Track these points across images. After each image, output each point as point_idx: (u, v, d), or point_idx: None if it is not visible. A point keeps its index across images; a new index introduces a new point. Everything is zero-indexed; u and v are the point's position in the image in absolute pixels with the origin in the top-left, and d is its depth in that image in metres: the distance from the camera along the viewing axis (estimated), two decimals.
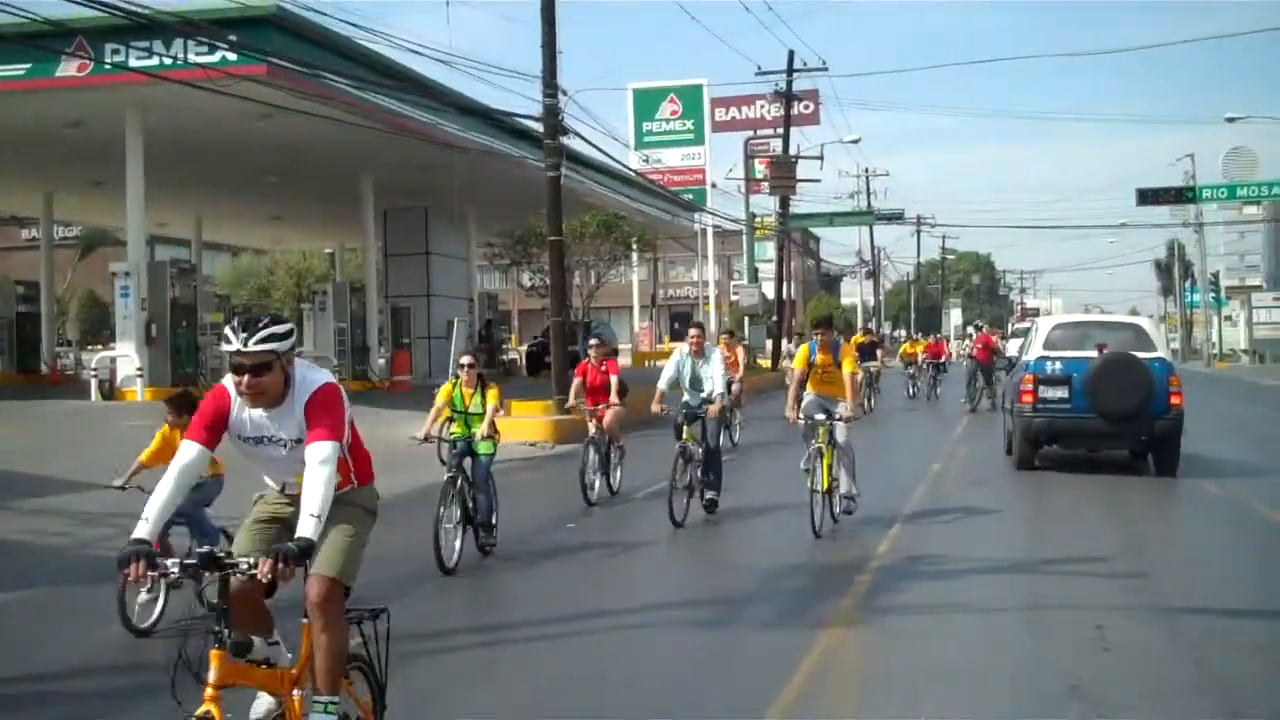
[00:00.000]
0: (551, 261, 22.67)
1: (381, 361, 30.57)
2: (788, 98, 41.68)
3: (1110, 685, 6.18)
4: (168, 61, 18.10)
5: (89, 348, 38.46)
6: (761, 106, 48.03)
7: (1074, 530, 11.33)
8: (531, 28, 21.37)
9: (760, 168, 45.86)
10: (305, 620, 4.44)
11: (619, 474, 13.30)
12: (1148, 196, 44.84)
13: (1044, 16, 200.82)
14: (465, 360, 10.07)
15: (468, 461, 9.71)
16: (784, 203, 42.81)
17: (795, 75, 41.48)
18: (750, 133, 48.77)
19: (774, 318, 43.91)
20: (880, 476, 14.45)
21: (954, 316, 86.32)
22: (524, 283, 34.45)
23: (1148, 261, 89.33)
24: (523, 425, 19.69)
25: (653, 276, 57.54)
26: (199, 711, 3.89)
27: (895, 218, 63.03)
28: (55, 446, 15.05)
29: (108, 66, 18.51)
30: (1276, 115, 80.00)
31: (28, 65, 19.05)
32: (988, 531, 11.13)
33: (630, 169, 37.18)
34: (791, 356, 12.10)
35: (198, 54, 18.30)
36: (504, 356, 39.48)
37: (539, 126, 22.15)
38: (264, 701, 4.46)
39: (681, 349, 12.16)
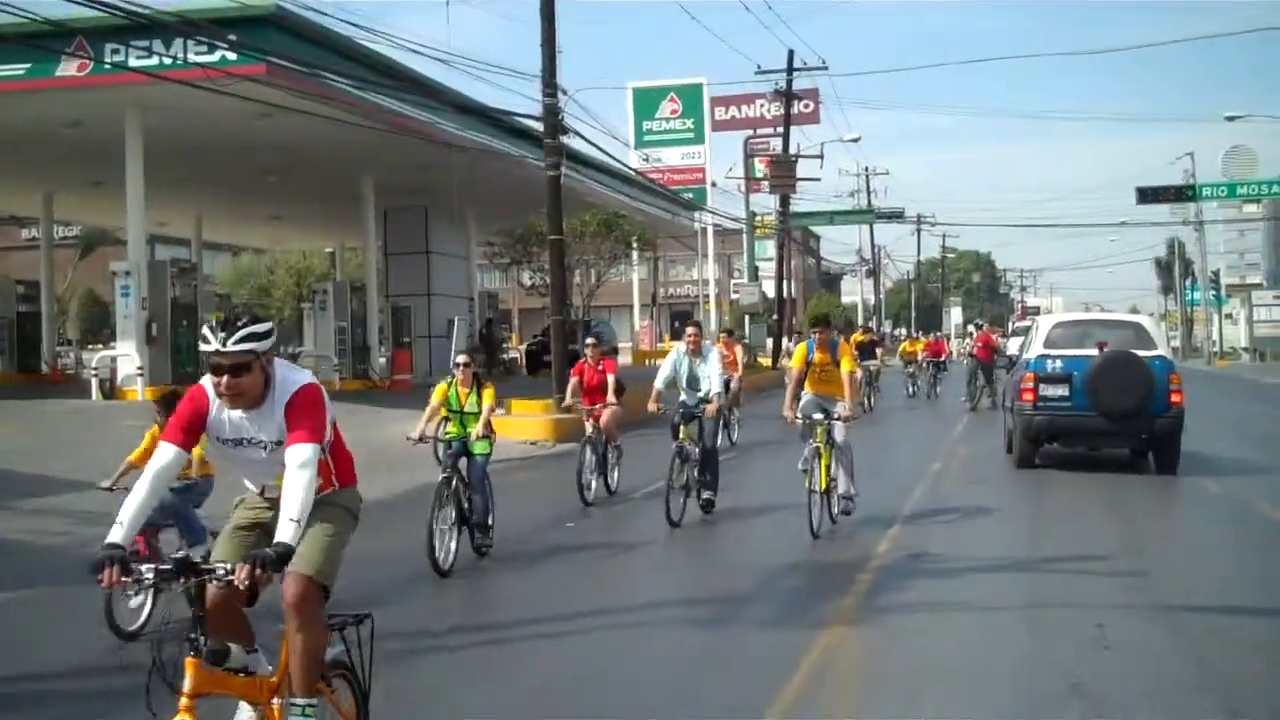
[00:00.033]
0: (552, 260, 22.68)
1: (382, 360, 30.58)
2: (788, 97, 41.70)
3: (1111, 684, 6.17)
4: (167, 61, 18.10)
5: (89, 347, 38.46)
6: (761, 105, 48.03)
7: (1074, 528, 11.32)
8: (531, 27, 21.38)
9: (760, 166, 45.87)
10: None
11: (617, 474, 13.24)
12: (1148, 195, 44.85)
13: (1042, 16, 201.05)
14: (461, 359, 9.98)
15: (463, 462, 9.62)
16: (784, 201, 42.83)
17: (795, 74, 41.52)
18: (750, 132, 48.78)
19: (774, 316, 43.92)
20: (880, 475, 14.44)
21: (954, 315, 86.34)
22: (524, 282, 34.50)
23: (1148, 260, 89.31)
24: (523, 424, 19.71)
25: (653, 275, 57.54)
26: None
27: (895, 216, 63.02)
28: (56, 446, 15.04)
29: (107, 66, 18.50)
30: (1275, 114, 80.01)
31: (27, 65, 19.05)
32: (988, 530, 11.12)
33: (630, 168, 37.16)
34: (791, 355, 12.01)
35: (197, 54, 18.29)
36: (504, 355, 39.49)
37: (539, 125, 22.17)
38: (245, 712, 4.36)
39: (679, 348, 12.09)
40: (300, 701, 4.26)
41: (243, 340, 4.21)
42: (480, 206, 32.83)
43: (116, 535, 4.01)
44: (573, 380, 13.37)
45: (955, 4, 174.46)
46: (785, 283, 43.23)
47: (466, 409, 9.73)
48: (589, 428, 12.83)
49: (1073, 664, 6.48)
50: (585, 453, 12.64)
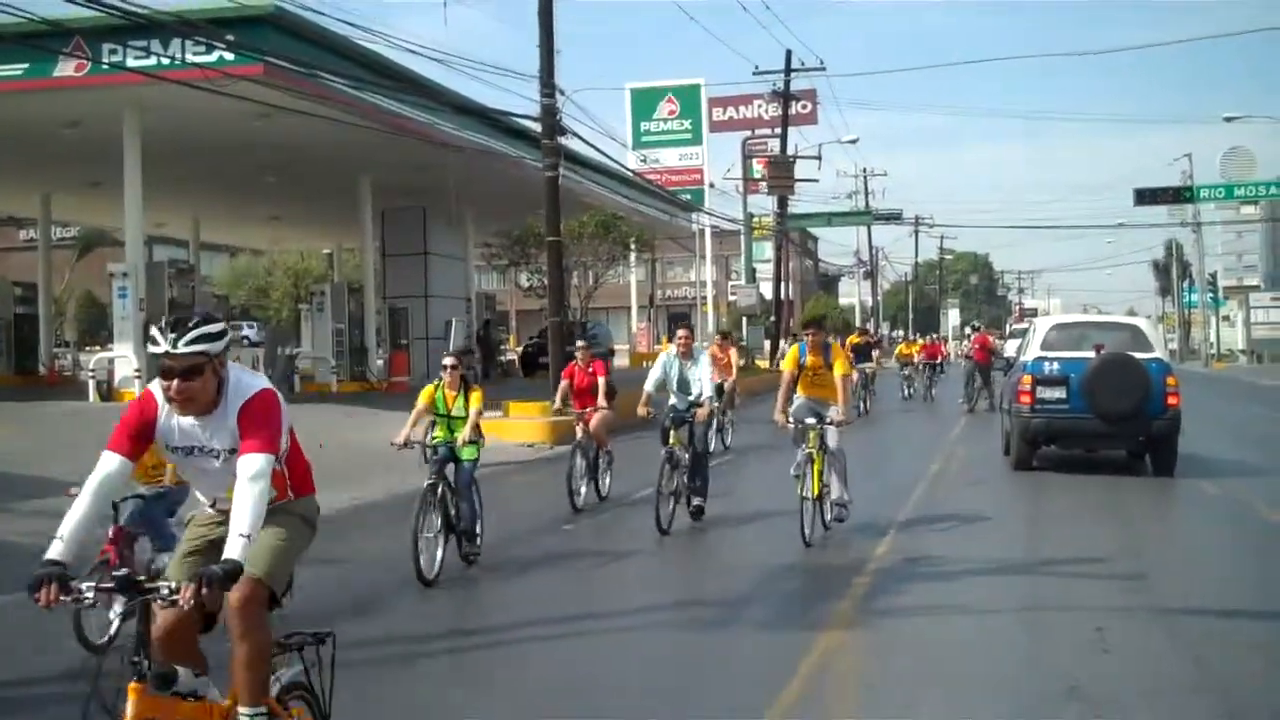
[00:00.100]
0: (549, 262, 22.66)
1: (379, 362, 30.56)
2: (785, 97, 41.72)
3: (1109, 686, 6.18)
4: (165, 61, 18.08)
5: (87, 348, 38.48)
6: (759, 106, 48.00)
7: (1072, 531, 11.32)
8: (529, 27, 21.37)
9: (758, 167, 45.88)
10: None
11: (608, 479, 12.95)
12: (1145, 196, 44.88)
13: (1039, 17, 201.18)
14: (448, 361, 9.68)
15: (450, 467, 9.34)
16: (782, 203, 42.85)
17: (793, 75, 41.54)
18: (748, 132, 48.77)
19: (772, 318, 43.92)
20: (878, 478, 14.45)
21: (952, 317, 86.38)
22: (522, 283, 34.50)
23: (1145, 262, 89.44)
24: (519, 426, 19.69)
25: (651, 277, 57.52)
26: None
27: (893, 218, 62.91)
28: (54, 448, 15.02)
29: (105, 66, 18.48)
30: (1273, 115, 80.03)
31: (25, 65, 19.02)
32: (986, 532, 11.11)
33: (628, 169, 37.17)
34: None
35: (195, 54, 18.26)
36: (502, 357, 39.47)
37: (537, 126, 22.15)
38: None
39: (669, 350, 11.88)
40: (247, 712, 4.04)
41: (194, 341, 3.97)
42: (478, 208, 32.82)
43: (55, 551, 3.77)
44: (563, 383, 13.08)
45: (953, 5, 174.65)
46: (783, 284, 43.25)
47: (454, 413, 9.46)
48: (579, 432, 12.59)
49: (1071, 666, 6.48)
50: (575, 458, 12.34)
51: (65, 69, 18.84)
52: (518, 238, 31.92)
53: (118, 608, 6.74)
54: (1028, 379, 14.88)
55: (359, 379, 28.65)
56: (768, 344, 42.79)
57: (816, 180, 46.51)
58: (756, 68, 42.30)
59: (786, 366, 10.90)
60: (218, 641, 4.24)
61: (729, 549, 10.80)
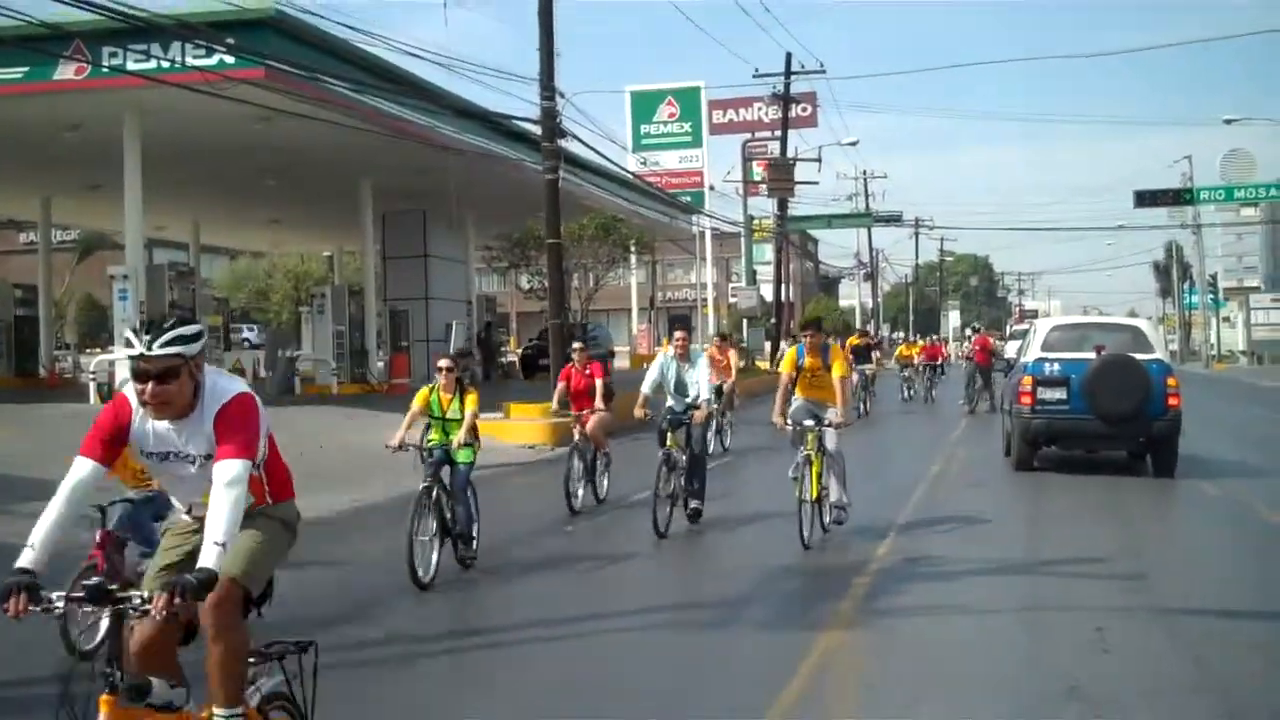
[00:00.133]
0: (550, 264, 22.67)
1: (380, 364, 30.57)
2: (785, 100, 41.71)
3: (1109, 686, 6.18)
4: (165, 64, 18.07)
5: (87, 351, 38.46)
6: (759, 109, 48.02)
7: (1073, 531, 11.32)
8: (529, 29, 21.39)
9: (758, 170, 45.91)
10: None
11: (606, 482, 12.86)
12: (1146, 198, 44.89)
13: (1038, 19, 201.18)
14: (443, 363, 9.57)
15: (446, 470, 9.25)
16: (782, 205, 42.85)
17: (793, 78, 41.52)
18: (748, 135, 48.81)
19: (772, 320, 43.92)
20: (879, 479, 14.45)
21: (952, 318, 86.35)
22: (522, 285, 34.53)
23: (1146, 263, 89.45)
24: (520, 428, 19.70)
25: (651, 279, 57.52)
26: None
27: (893, 220, 63.10)
28: (54, 450, 14.92)
29: (105, 70, 18.47)
30: (1273, 117, 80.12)
31: (25, 68, 19.02)
32: (987, 533, 11.10)
33: (628, 171, 37.20)
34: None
35: (195, 57, 18.25)
36: (502, 359, 39.48)
37: (537, 129, 22.16)
38: None
39: (666, 352, 11.81)
40: (222, 713, 3.95)
41: (170, 343, 3.85)
42: (478, 210, 32.82)
43: (26, 559, 3.68)
44: (560, 385, 13.01)
45: (953, 7, 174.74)
46: (783, 286, 43.24)
47: (449, 415, 9.35)
48: (576, 434, 12.49)
49: (1071, 666, 6.48)
50: (573, 460, 12.24)
51: (65, 72, 18.84)
52: (518, 240, 31.93)
53: (104, 619, 6.72)
54: (1028, 380, 14.89)
55: (360, 381, 28.64)
56: (768, 345, 42.78)
57: (816, 183, 47.01)
58: (756, 70, 42.32)
59: (784, 368, 10.79)
60: (195, 650, 4.16)
61: (727, 551, 10.74)
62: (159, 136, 20.92)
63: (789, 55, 41.44)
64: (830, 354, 10.58)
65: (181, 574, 3.76)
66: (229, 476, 3.84)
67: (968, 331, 43.08)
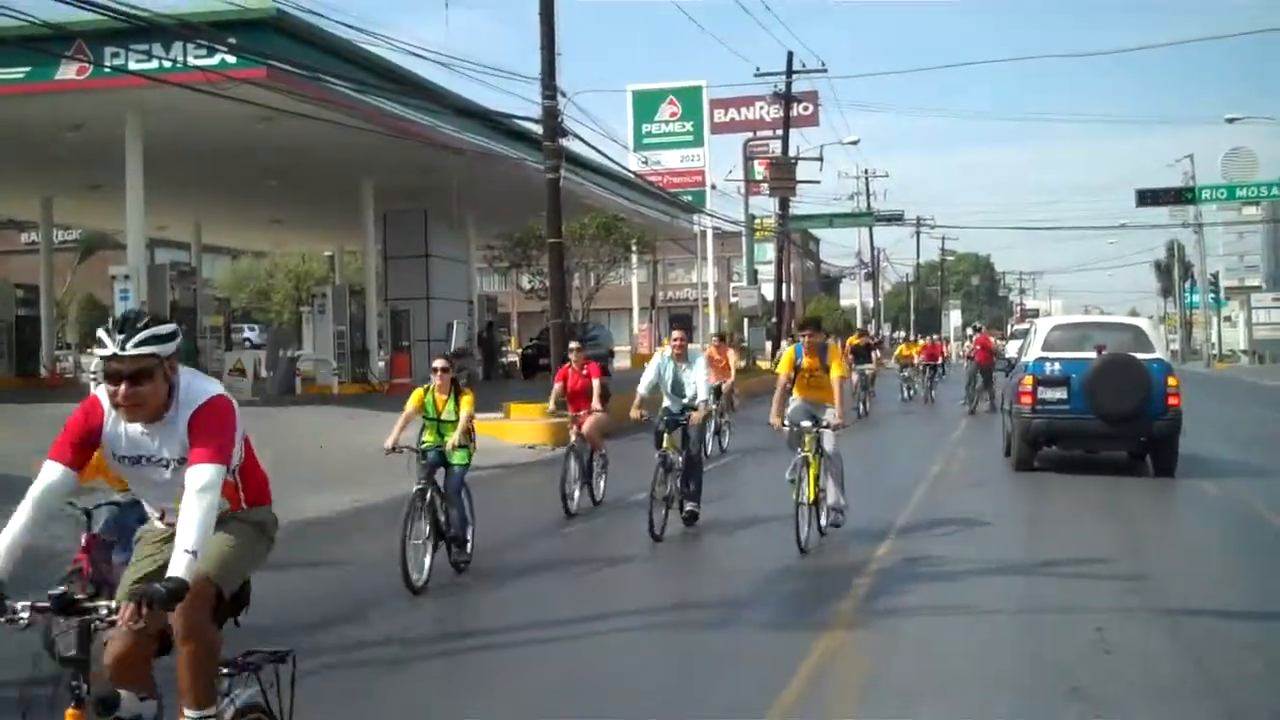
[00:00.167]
0: (551, 264, 22.67)
1: (381, 364, 30.57)
2: (787, 99, 41.70)
3: (1110, 686, 6.18)
4: (167, 64, 18.08)
5: (88, 351, 38.39)
6: (761, 108, 48.00)
7: (1073, 532, 11.33)
8: (531, 29, 21.37)
9: (760, 169, 45.88)
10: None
11: (603, 484, 12.75)
12: (1147, 197, 44.90)
13: (1041, 18, 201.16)
14: (437, 364, 9.43)
15: (440, 473, 9.12)
16: (783, 204, 42.84)
17: (794, 77, 41.51)
18: (749, 134, 48.77)
19: (773, 319, 43.92)
20: (879, 479, 14.46)
21: (954, 318, 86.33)
22: (523, 285, 34.49)
23: (1147, 262, 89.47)
24: (521, 428, 19.71)
25: (652, 278, 57.52)
26: None
27: (895, 219, 63.01)
28: None
29: (107, 70, 18.48)
30: (1275, 116, 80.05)
31: (27, 68, 19.04)
32: (987, 533, 11.10)
33: (629, 171, 37.19)
34: None
35: (197, 57, 18.27)
36: (504, 359, 39.49)
37: (538, 128, 22.16)
38: None
39: (663, 352, 11.67)
40: (192, 715, 3.83)
41: (144, 343, 3.73)
42: (480, 210, 32.83)
43: None
44: (556, 385, 12.89)
45: (953, 7, 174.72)
46: (784, 285, 43.22)
47: (444, 416, 9.23)
48: (573, 435, 12.35)
49: (1072, 667, 6.49)
50: (569, 462, 12.13)
51: (67, 72, 18.86)
52: (519, 240, 31.91)
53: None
54: (1029, 380, 14.90)
55: (361, 381, 28.65)
56: (769, 345, 42.79)
57: (818, 182, 46.82)
58: (758, 69, 42.31)
59: (782, 369, 10.63)
60: (168, 659, 4.04)
61: (725, 553, 10.62)
62: (160, 136, 20.93)
63: (790, 54, 41.48)
64: (828, 354, 10.44)
65: (150, 584, 3.64)
66: (201, 482, 3.71)
67: (969, 331, 43.05)
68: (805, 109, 45.50)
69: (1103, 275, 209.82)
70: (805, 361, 10.37)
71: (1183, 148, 77.17)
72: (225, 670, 4.02)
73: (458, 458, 9.15)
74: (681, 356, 11.39)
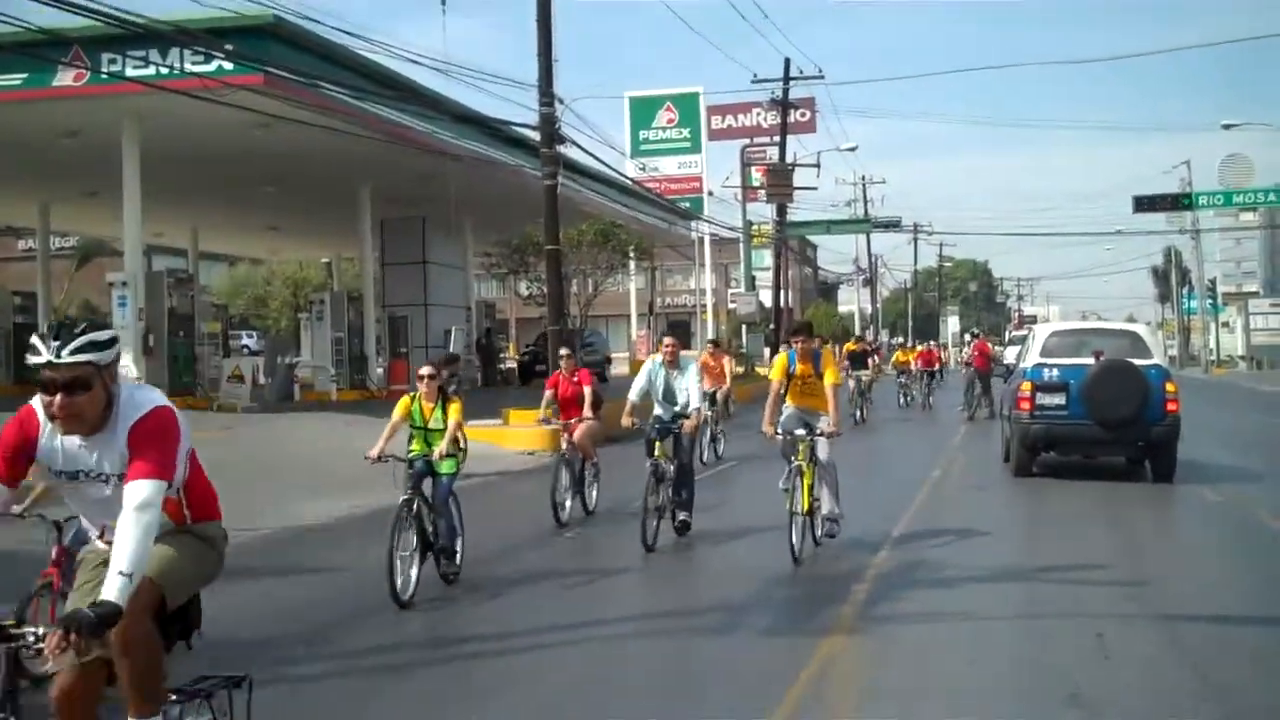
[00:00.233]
0: (548, 270, 22.68)
1: (379, 371, 30.57)
2: (784, 106, 41.75)
3: (1109, 693, 6.17)
4: (164, 71, 18.12)
5: None
6: (758, 114, 48.11)
7: (1072, 537, 11.31)
8: (528, 35, 21.39)
9: (757, 175, 45.97)
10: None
11: (595, 493, 12.55)
12: (1144, 203, 44.92)
13: (1039, 24, 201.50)
14: (424, 371, 9.19)
15: (428, 483, 8.89)
16: (781, 210, 42.87)
17: (791, 83, 41.55)
18: (747, 141, 48.89)
19: (771, 326, 43.94)
20: (877, 485, 14.44)
21: (951, 324, 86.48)
22: (521, 291, 34.57)
23: (1145, 268, 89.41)
24: (519, 434, 19.70)
25: (650, 285, 57.55)
26: None
27: (892, 225, 63.11)
28: None
29: (104, 76, 18.50)
30: (1272, 122, 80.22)
31: (24, 75, 19.06)
32: (986, 539, 11.08)
33: (627, 177, 37.22)
34: None
35: (194, 63, 18.31)
36: (502, 365, 39.49)
37: (536, 135, 22.18)
38: None
39: (654, 358, 11.43)
40: None
41: (80, 350, 3.53)
42: (477, 216, 32.86)
43: None
44: (547, 393, 12.69)
45: (953, 10, 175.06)
46: (782, 292, 43.25)
47: (431, 425, 8.97)
48: (564, 443, 12.18)
49: (1071, 672, 6.47)
50: (560, 471, 11.94)
51: (64, 78, 18.87)
52: (517, 246, 31.94)
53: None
54: (1027, 385, 14.89)
55: (359, 387, 28.65)
56: (767, 351, 42.80)
57: (815, 188, 46.96)
58: (755, 76, 42.39)
59: (775, 376, 10.42)
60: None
61: (719, 562, 10.42)
62: (158, 143, 20.94)
63: (787, 61, 41.53)
64: (822, 360, 10.25)
65: (79, 610, 3.39)
66: (139, 499, 3.47)
67: (967, 337, 43.06)
68: (802, 115, 45.59)
69: (1100, 281, 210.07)
70: (798, 368, 10.19)
71: (1179, 154, 77.39)
72: (175, 697, 3.80)
73: (445, 467, 8.93)
74: (673, 363, 11.17)
